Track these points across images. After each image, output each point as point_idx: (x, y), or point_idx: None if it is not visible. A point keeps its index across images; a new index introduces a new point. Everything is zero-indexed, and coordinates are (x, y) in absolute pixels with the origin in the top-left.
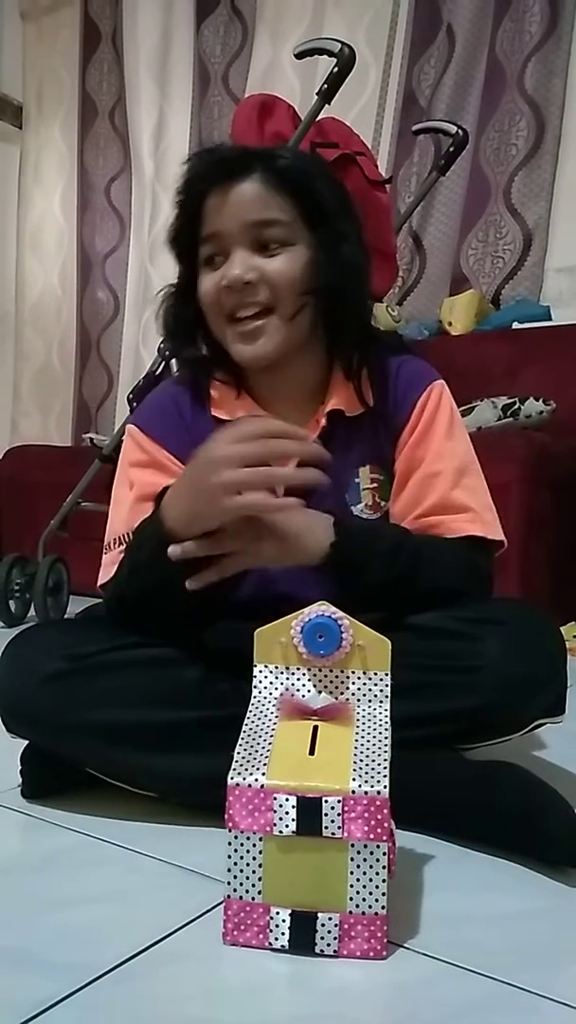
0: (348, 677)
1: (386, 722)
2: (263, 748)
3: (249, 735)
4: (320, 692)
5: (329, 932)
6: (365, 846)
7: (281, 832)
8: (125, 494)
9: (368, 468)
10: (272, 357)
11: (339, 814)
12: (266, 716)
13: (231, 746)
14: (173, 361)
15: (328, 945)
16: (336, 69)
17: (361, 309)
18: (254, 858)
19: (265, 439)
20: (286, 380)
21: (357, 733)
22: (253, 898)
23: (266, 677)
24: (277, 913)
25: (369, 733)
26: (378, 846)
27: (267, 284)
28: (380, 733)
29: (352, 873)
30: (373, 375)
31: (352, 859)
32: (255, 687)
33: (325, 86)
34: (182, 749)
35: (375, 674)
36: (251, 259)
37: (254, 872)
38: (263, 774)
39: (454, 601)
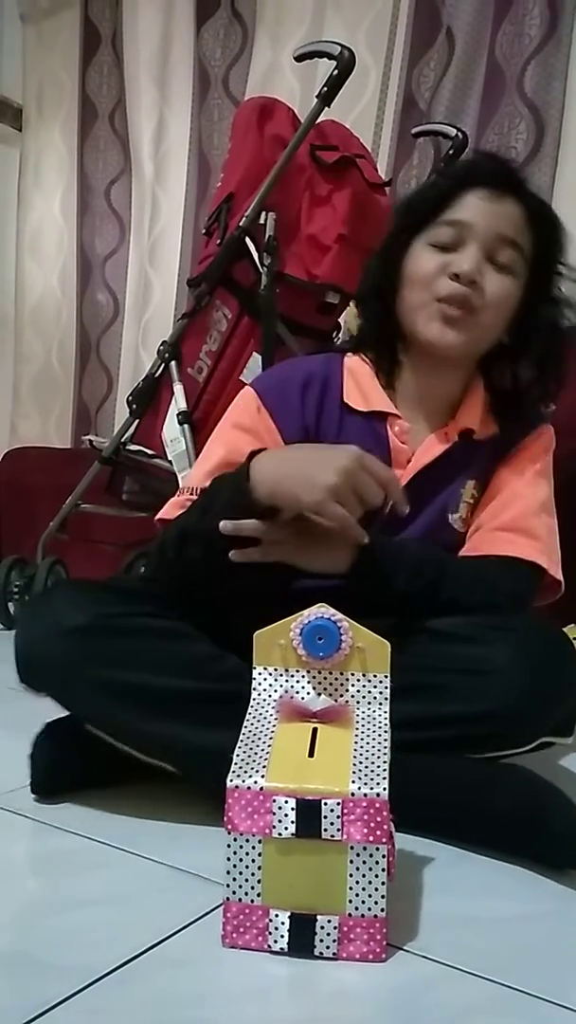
0: (347, 679)
1: (385, 724)
2: (262, 750)
3: (248, 737)
4: (319, 694)
5: (328, 934)
6: (364, 848)
7: (280, 834)
8: (215, 451)
9: (472, 483)
10: (458, 351)
11: (338, 816)
12: (265, 718)
13: (234, 721)
14: (173, 364)
15: (327, 947)
16: (336, 72)
17: (548, 369)
18: (253, 860)
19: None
20: (432, 387)
21: (356, 735)
22: (252, 900)
23: (265, 679)
24: (276, 915)
25: (368, 735)
26: (377, 848)
27: (483, 297)
28: (380, 735)
29: (351, 875)
30: (505, 401)
31: (351, 861)
32: (254, 689)
33: (325, 89)
34: (187, 718)
35: (374, 676)
36: (484, 264)
37: (253, 874)
38: (262, 776)
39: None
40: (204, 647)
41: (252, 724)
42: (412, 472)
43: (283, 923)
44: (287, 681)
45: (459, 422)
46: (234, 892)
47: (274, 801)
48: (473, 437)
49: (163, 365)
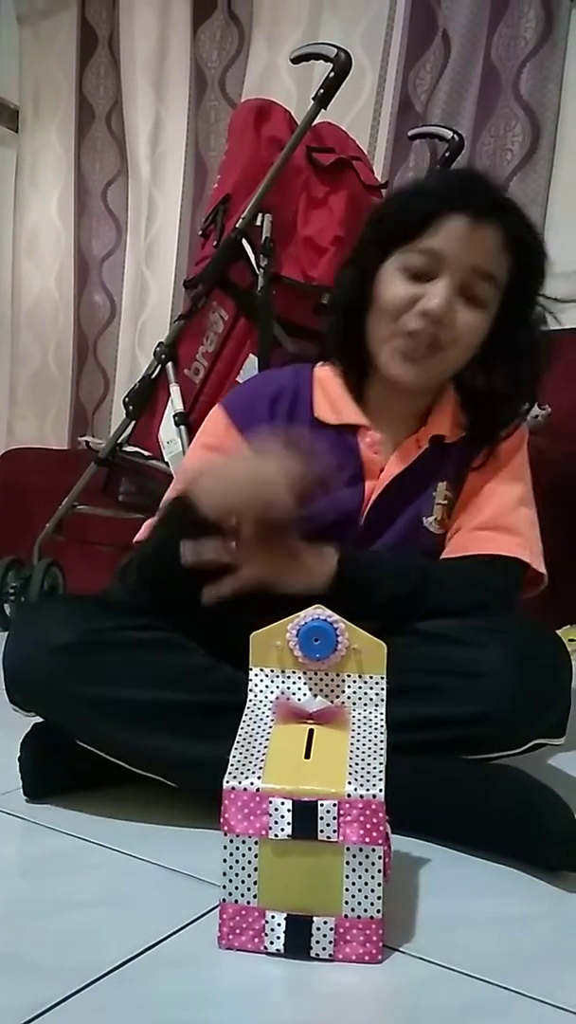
0: (344, 681)
1: (382, 725)
2: (258, 752)
3: (244, 739)
4: (316, 696)
5: (324, 936)
6: (360, 850)
7: (276, 836)
8: (188, 473)
9: (444, 485)
10: (421, 387)
11: (335, 818)
12: (261, 720)
13: (229, 732)
14: (169, 365)
15: (323, 949)
16: (332, 74)
17: (527, 396)
18: (249, 862)
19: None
20: (402, 398)
21: (352, 737)
22: (248, 902)
23: (261, 681)
24: (272, 917)
25: (365, 737)
26: (373, 850)
27: (453, 332)
28: (376, 736)
29: (347, 877)
30: (477, 406)
31: (347, 863)
32: (250, 691)
33: (321, 91)
34: (181, 731)
35: (371, 677)
36: (455, 299)
37: (249, 876)
38: (259, 778)
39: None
40: (197, 658)
41: (248, 725)
42: (384, 483)
43: (279, 924)
44: (283, 682)
45: (430, 428)
46: (230, 893)
47: (270, 802)
48: (444, 442)
49: (160, 367)
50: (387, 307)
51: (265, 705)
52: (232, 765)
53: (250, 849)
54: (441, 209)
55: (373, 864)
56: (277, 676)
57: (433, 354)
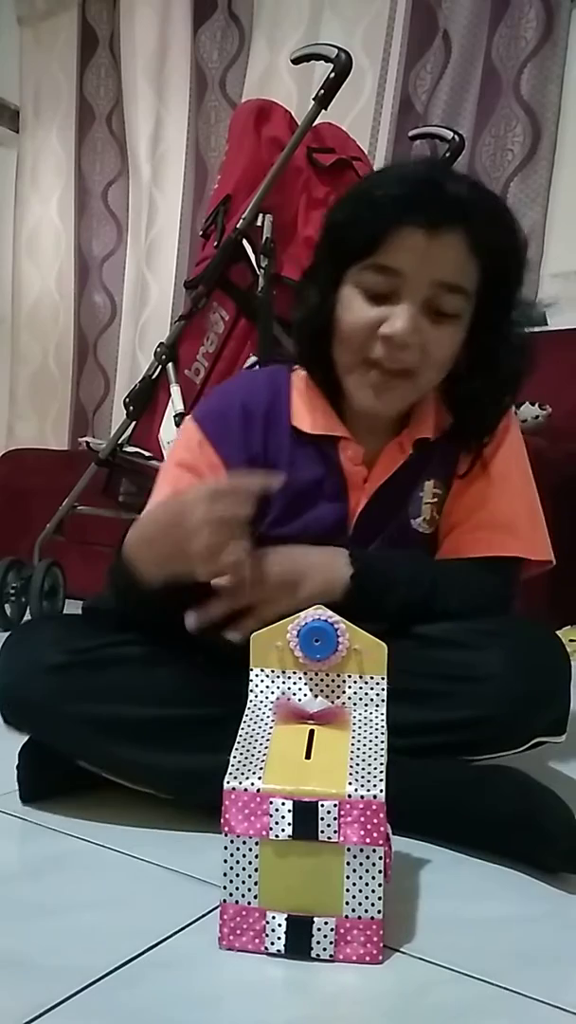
0: (344, 681)
1: (382, 726)
2: (259, 752)
3: (245, 739)
4: (316, 696)
5: (325, 936)
6: (361, 850)
7: (277, 836)
8: (162, 490)
9: (432, 483)
10: (391, 415)
11: (335, 818)
12: (262, 720)
13: (227, 744)
14: (170, 366)
15: (324, 950)
16: (333, 74)
17: (511, 397)
18: (250, 862)
19: (227, 496)
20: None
21: (353, 737)
22: (249, 902)
23: (262, 681)
24: (273, 917)
25: (365, 737)
26: (374, 850)
27: (423, 353)
28: (376, 737)
29: (348, 877)
30: (461, 406)
31: (348, 863)
32: (251, 691)
33: (322, 91)
34: (178, 745)
35: (371, 678)
36: (420, 320)
37: (250, 876)
38: (259, 778)
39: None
40: (193, 670)
41: (249, 726)
42: (370, 493)
43: (280, 925)
44: (284, 683)
45: (413, 432)
46: (231, 894)
47: (271, 803)
48: (429, 442)
49: (160, 367)
50: (347, 335)
51: (266, 706)
52: (233, 766)
53: (251, 850)
54: (394, 222)
55: (374, 865)
56: (278, 677)
57: (404, 380)
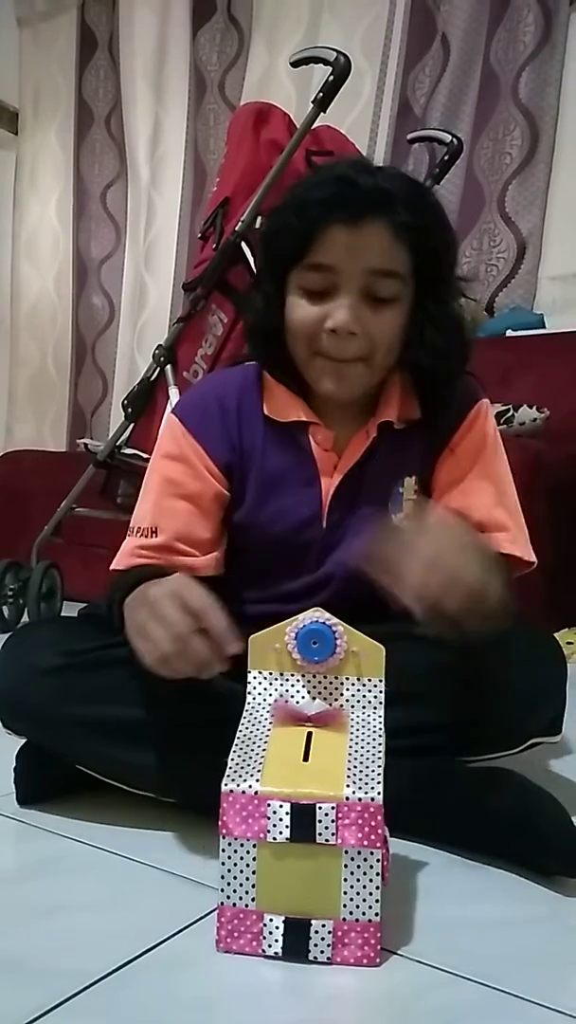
0: (342, 683)
1: (380, 728)
2: (257, 754)
3: (243, 741)
4: (314, 698)
5: (323, 939)
6: (359, 853)
7: (275, 839)
8: (154, 484)
9: (413, 479)
10: (354, 398)
11: (333, 821)
12: (260, 722)
13: (225, 746)
14: (168, 368)
15: (321, 952)
16: (331, 77)
17: (461, 367)
18: (248, 865)
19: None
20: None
21: (351, 739)
22: (247, 905)
23: (260, 683)
24: (271, 920)
25: (363, 739)
26: (372, 853)
27: (368, 339)
28: (374, 739)
29: (346, 880)
30: (423, 389)
31: (346, 866)
32: (249, 693)
33: (321, 94)
34: (176, 748)
35: (369, 680)
36: (360, 308)
37: (248, 879)
38: (257, 781)
39: None
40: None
41: (247, 728)
42: (339, 478)
43: (277, 927)
44: (282, 685)
45: (378, 416)
46: (228, 896)
47: (268, 805)
48: (394, 427)
49: (159, 369)
50: (297, 332)
51: (264, 708)
52: (230, 768)
53: (248, 852)
54: (319, 223)
55: (371, 867)
56: (276, 679)
57: (356, 366)
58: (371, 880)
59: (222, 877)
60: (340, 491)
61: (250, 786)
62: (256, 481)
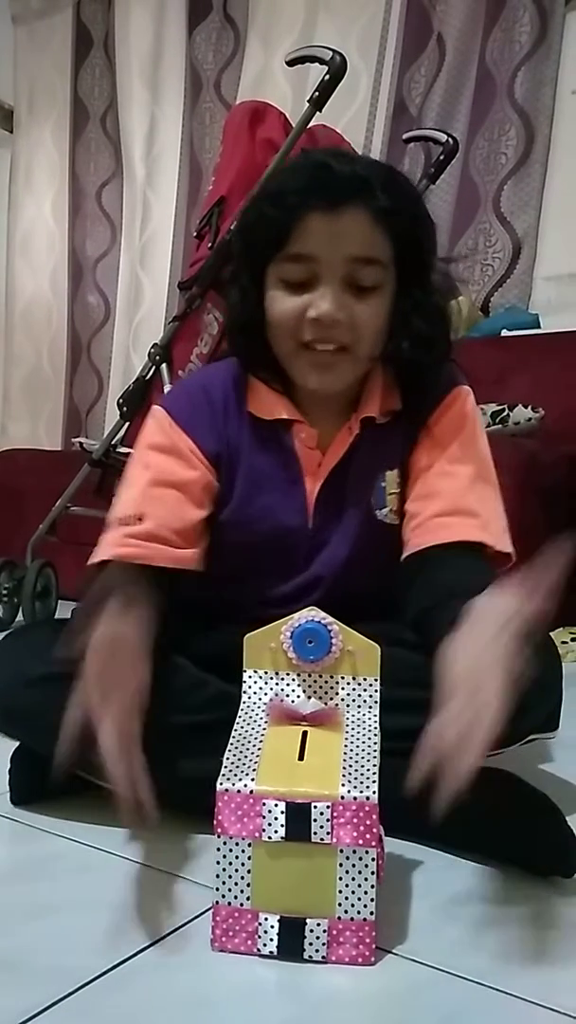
0: (337, 682)
1: (375, 727)
2: (252, 754)
3: (238, 741)
4: (309, 697)
5: (318, 938)
6: (354, 851)
7: (270, 838)
8: (139, 475)
9: (395, 472)
10: (340, 390)
11: (328, 820)
12: (255, 722)
13: (219, 750)
14: (164, 367)
15: (316, 951)
16: (327, 77)
17: (444, 355)
18: (243, 864)
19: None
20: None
21: (346, 738)
22: (242, 904)
23: (255, 683)
24: (266, 919)
25: (358, 738)
26: (367, 852)
27: (353, 328)
28: (369, 738)
29: (341, 879)
30: (406, 378)
31: (341, 865)
32: (244, 692)
33: (316, 93)
34: (169, 752)
35: (364, 679)
36: (343, 296)
37: (243, 878)
38: (252, 780)
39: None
40: (182, 676)
41: (242, 727)
42: (324, 476)
43: (272, 926)
44: (277, 684)
45: (360, 412)
46: (223, 895)
47: (264, 804)
48: (376, 422)
49: (154, 368)
50: (279, 326)
51: (259, 707)
52: (226, 767)
53: (243, 851)
54: (297, 212)
55: (366, 866)
56: (271, 678)
57: (342, 357)
58: (366, 879)
59: (217, 876)
60: (325, 489)
61: (245, 785)
62: (242, 478)
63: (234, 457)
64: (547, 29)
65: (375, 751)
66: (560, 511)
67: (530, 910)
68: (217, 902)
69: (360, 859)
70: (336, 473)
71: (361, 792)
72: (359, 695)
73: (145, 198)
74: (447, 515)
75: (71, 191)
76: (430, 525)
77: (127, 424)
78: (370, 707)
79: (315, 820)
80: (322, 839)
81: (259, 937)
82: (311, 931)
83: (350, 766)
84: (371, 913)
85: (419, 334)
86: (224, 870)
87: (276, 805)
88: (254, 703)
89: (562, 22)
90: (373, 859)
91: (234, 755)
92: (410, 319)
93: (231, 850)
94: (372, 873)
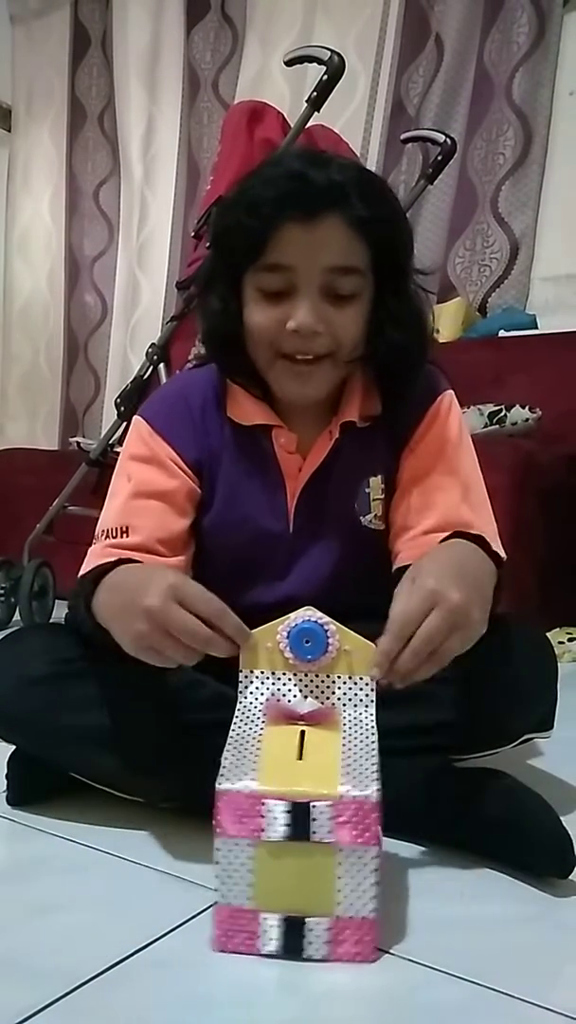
0: (334, 682)
1: (372, 726)
2: (251, 754)
3: (236, 741)
4: (306, 697)
5: (318, 937)
6: (354, 850)
7: (271, 837)
8: (122, 486)
9: (379, 479)
10: (319, 398)
11: (329, 819)
12: (253, 722)
13: (216, 751)
14: (161, 366)
15: (317, 950)
16: (325, 77)
17: (422, 360)
18: (243, 864)
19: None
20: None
21: (344, 737)
22: (243, 904)
23: (252, 683)
24: (267, 919)
25: (356, 737)
26: (367, 850)
27: (333, 336)
28: (367, 737)
29: (341, 878)
30: (384, 383)
31: (341, 863)
32: (241, 693)
33: (314, 93)
34: (167, 754)
35: (360, 679)
36: (321, 306)
37: (243, 878)
38: (252, 780)
39: None
40: (180, 677)
41: (239, 728)
42: (303, 481)
43: (273, 926)
44: (274, 684)
45: (340, 416)
46: (224, 896)
47: (264, 804)
48: (357, 427)
49: (152, 367)
50: (257, 336)
51: (256, 707)
52: (224, 767)
53: (244, 851)
54: (273, 222)
55: (366, 865)
56: (268, 678)
57: (320, 365)
58: (366, 877)
59: (217, 877)
60: (305, 494)
61: (245, 785)
62: (223, 484)
63: (215, 463)
64: (545, 30)
65: (373, 750)
66: (557, 511)
67: (527, 910)
68: (218, 902)
69: (360, 858)
70: (317, 478)
71: (361, 791)
72: (355, 694)
73: (143, 197)
74: (441, 531)
75: (68, 190)
76: (422, 541)
77: (124, 424)
78: (367, 706)
79: (315, 819)
80: (322, 838)
81: (260, 936)
82: (311, 930)
83: (349, 765)
84: (372, 911)
85: (396, 340)
86: (224, 870)
87: (276, 805)
88: (251, 703)
89: (560, 23)
90: (373, 857)
91: (232, 755)
92: (386, 325)
93: (231, 850)
94: (373, 871)
